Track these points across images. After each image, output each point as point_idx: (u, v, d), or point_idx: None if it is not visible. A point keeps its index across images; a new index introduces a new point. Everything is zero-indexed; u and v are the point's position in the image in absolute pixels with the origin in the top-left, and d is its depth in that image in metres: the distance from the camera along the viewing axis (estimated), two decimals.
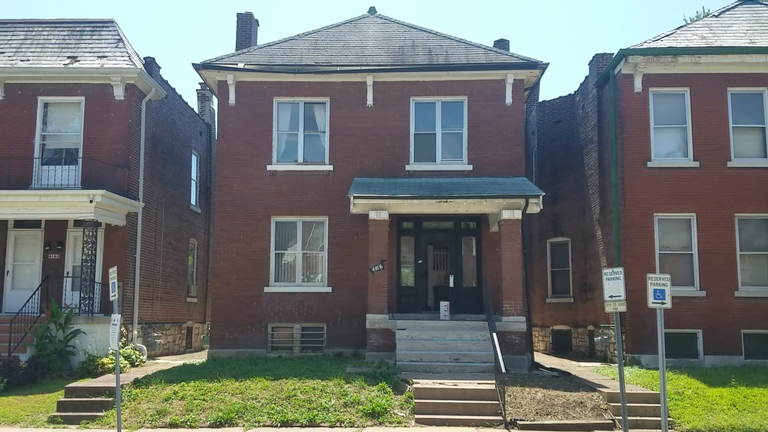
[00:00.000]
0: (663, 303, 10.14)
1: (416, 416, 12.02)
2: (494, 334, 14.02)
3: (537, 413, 12.00)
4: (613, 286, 10.59)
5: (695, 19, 29.82)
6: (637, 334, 16.91)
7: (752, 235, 17.58)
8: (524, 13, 74.92)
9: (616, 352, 17.55)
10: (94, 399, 12.98)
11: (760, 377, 14.49)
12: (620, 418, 11.35)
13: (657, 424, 11.52)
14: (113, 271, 11.72)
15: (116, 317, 11.21)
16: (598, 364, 17.49)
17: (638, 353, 16.84)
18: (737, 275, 17.26)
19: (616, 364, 16.80)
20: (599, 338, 19.25)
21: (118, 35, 20.24)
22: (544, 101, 23.98)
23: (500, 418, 11.90)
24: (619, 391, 11.03)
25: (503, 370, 12.47)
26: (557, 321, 22.60)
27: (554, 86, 67.63)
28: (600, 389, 13.12)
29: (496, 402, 12.33)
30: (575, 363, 18.05)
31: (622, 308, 10.57)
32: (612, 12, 73.91)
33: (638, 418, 11.90)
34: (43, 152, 18.95)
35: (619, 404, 11.20)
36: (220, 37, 76.89)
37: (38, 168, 18.74)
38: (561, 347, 22.25)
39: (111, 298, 11.58)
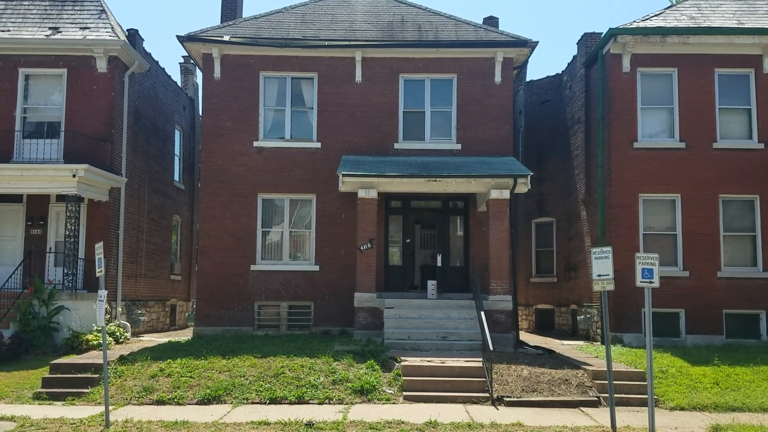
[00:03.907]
0: (651, 282, 10.19)
1: (404, 393, 12.09)
2: (482, 313, 14.11)
3: (523, 390, 12.12)
4: (602, 265, 10.63)
5: None
6: (620, 314, 17.11)
7: (735, 216, 17.78)
8: None
9: (598, 330, 17.77)
10: (79, 375, 12.89)
11: (741, 356, 14.74)
12: (605, 395, 11.50)
13: (641, 401, 11.68)
14: (99, 247, 11.54)
15: (103, 293, 11.06)
16: (581, 343, 17.69)
17: (621, 332, 17.05)
18: (720, 256, 17.47)
19: (599, 343, 17.11)
20: (582, 317, 19.46)
21: (101, 6, 19.75)
22: (531, 81, 23.89)
23: (487, 395, 12.00)
24: (603, 369, 11.17)
25: (491, 348, 12.57)
26: (541, 300, 22.80)
27: (542, 66, 67.54)
28: (584, 367, 13.27)
29: (483, 379, 12.43)
30: (558, 341, 18.24)
31: (610, 287, 10.64)
32: None
33: (623, 395, 12.04)
34: (25, 125, 18.55)
35: (604, 382, 11.34)
36: (204, 9, 75.49)
37: (20, 141, 18.35)
38: (544, 326, 22.49)
39: (97, 274, 11.41)
